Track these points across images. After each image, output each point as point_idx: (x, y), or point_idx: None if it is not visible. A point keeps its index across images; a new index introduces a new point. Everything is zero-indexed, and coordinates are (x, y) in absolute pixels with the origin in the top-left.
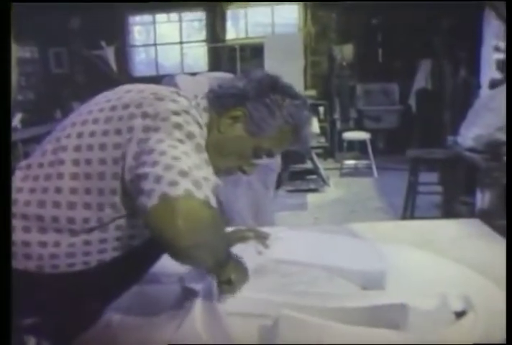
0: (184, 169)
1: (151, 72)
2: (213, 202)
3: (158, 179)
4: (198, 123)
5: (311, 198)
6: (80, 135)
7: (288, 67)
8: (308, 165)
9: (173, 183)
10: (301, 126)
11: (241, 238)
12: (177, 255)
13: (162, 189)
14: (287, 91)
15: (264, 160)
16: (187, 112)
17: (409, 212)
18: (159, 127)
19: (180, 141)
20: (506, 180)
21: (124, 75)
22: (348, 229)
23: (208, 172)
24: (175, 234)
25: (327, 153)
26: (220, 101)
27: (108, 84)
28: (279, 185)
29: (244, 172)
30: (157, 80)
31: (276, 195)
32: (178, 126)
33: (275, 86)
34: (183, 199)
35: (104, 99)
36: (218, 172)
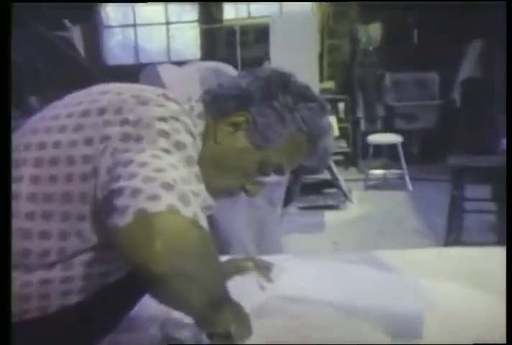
0: (168, 181)
1: (129, 59)
2: (204, 222)
3: (135, 193)
4: (189, 132)
5: (328, 216)
6: (42, 146)
7: (300, 54)
8: (326, 176)
9: (154, 197)
10: (318, 135)
11: (239, 269)
12: (155, 289)
13: (139, 204)
14: (301, 92)
15: (272, 178)
16: (176, 119)
17: (454, 236)
18: (140, 136)
19: (166, 151)
20: (506, 179)
21: (95, 62)
22: (375, 258)
23: (199, 188)
24: (152, 259)
25: (349, 160)
26: (218, 104)
27: (75, 74)
28: (288, 200)
29: (247, 192)
30: (135, 69)
31: (285, 214)
32: (164, 134)
33: (285, 86)
34: (165, 216)
35: (74, 101)
36: (214, 192)
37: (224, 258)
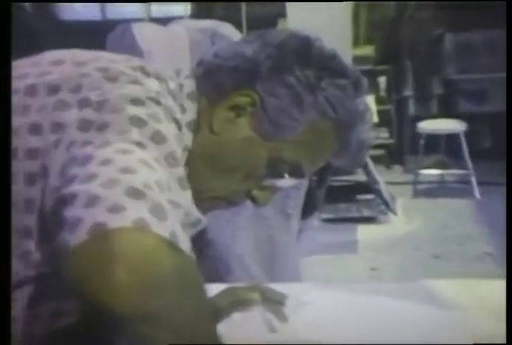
0: (137, 186)
1: (92, 13)
2: (185, 243)
3: (92, 201)
4: (174, 120)
5: (363, 233)
6: None
7: (326, 10)
8: (360, 177)
9: (116, 208)
10: (350, 122)
11: (241, 302)
12: (117, 334)
13: (96, 217)
14: (326, 63)
15: (287, 181)
16: (156, 101)
17: None
18: (105, 123)
19: (139, 144)
20: (506, 180)
21: (44, 17)
22: (428, 290)
23: (181, 196)
24: (110, 294)
25: (392, 156)
26: (214, 80)
27: (18, 33)
28: (309, 210)
29: (253, 200)
30: (101, 28)
31: (304, 228)
32: (138, 122)
33: (305, 55)
34: (131, 234)
35: (18, 73)
36: (209, 200)
37: (220, 287)
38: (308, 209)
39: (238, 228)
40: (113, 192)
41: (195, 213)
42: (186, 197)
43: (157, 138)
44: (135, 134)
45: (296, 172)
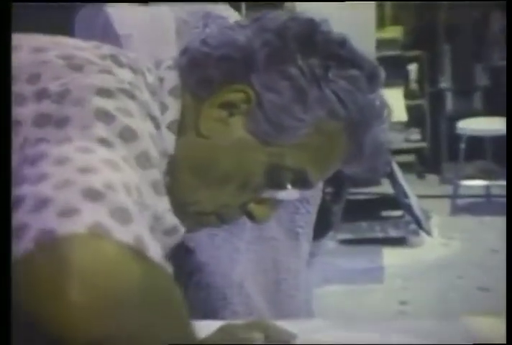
0: (96, 187)
1: None
2: (155, 251)
3: (40, 205)
4: (150, 116)
5: (390, 257)
6: None
7: None
8: (386, 189)
9: (68, 212)
10: (365, 122)
11: (240, 341)
12: None
13: (45, 223)
14: (334, 50)
15: (292, 193)
16: (129, 94)
17: None
18: (65, 117)
19: (104, 141)
20: (506, 180)
21: None
22: (471, 330)
23: (154, 199)
24: (64, 318)
25: (425, 163)
26: (202, 73)
27: None
28: (323, 229)
29: (251, 216)
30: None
31: (317, 251)
32: (104, 116)
33: (309, 41)
34: (85, 242)
35: None
36: (196, 215)
37: (215, 324)
38: (321, 228)
39: (237, 250)
40: (66, 194)
41: (171, 219)
42: (161, 201)
43: (127, 135)
44: (100, 129)
45: (301, 181)
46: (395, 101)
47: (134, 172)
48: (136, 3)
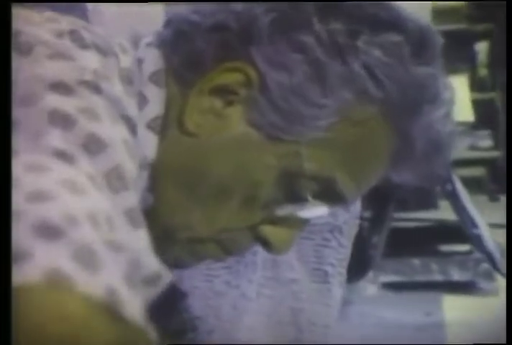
0: (53, 220)
1: None
2: (133, 307)
3: None
4: (124, 117)
5: (453, 309)
6: None
7: None
8: (445, 214)
9: (18, 255)
10: (411, 106)
11: None
12: None
13: None
14: (365, 10)
15: (318, 209)
16: (94, 88)
17: None
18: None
19: (62, 155)
20: (506, 181)
21: None
22: None
23: (129, 236)
24: None
25: (498, 179)
26: (189, 49)
27: None
28: (361, 268)
29: (264, 243)
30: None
31: (353, 299)
32: (62, 120)
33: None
34: (41, 295)
35: None
36: (188, 244)
37: None
38: (358, 267)
39: (244, 297)
40: (14, 231)
41: (152, 262)
42: (138, 238)
43: (92, 145)
44: (56, 138)
45: (329, 194)
46: (457, 94)
47: (104, 197)
48: None
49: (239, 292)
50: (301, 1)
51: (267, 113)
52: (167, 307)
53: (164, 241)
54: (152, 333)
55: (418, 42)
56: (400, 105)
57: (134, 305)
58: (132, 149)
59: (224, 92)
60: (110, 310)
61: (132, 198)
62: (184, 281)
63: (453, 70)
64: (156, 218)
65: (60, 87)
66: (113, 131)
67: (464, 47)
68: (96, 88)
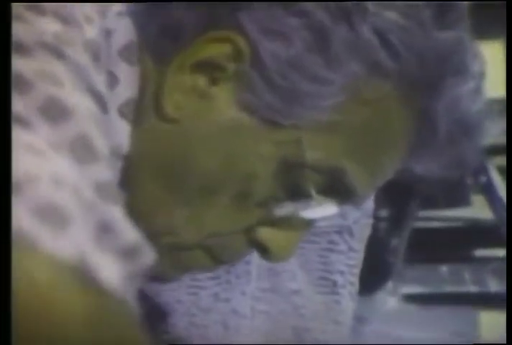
0: (14, 178)
1: None
2: (110, 272)
3: None
4: (91, 90)
5: (492, 327)
6: None
7: None
8: (479, 212)
9: None
10: (435, 82)
11: None
12: None
13: None
14: None
15: (324, 207)
16: (56, 51)
17: None
18: None
19: (18, 120)
20: (506, 181)
21: None
22: None
23: (102, 208)
24: None
25: None
26: (166, 16)
27: None
28: (378, 277)
29: (261, 248)
30: None
31: (368, 316)
32: (17, 83)
33: None
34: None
35: None
36: (170, 250)
37: None
38: (374, 275)
39: (235, 313)
40: None
41: (128, 232)
42: (112, 211)
43: (53, 110)
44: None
45: (336, 190)
46: (488, 65)
47: (69, 164)
48: None
49: (229, 307)
50: None
51: (261, 92)
52: (146, 328)
53: None
54: (134, 307)
55: (440, 2)
56: (419, 79)
57: (110, 270)
58: (101, 125)
59: (209, 67)
60: (81, 273)
61: (104, 172)
62: (163, 294)
63: (484, 35)
64: (130, 221)
65: (15, 48)
66: (77, 99)
67: (499, 7)
68: (57, 53)
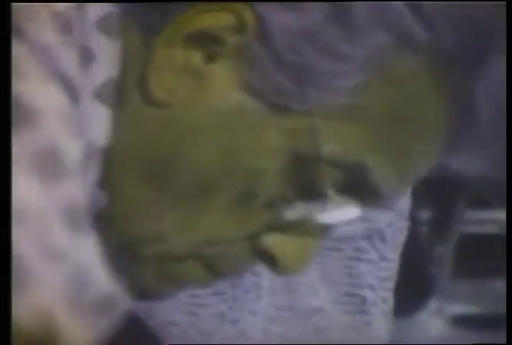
0: None
1: None
2: (76, 340)
3: None
4: (57, 74)
5: None
6: None
7: None
8: None
9: None
10: (475, 56)
11: None
12: None
13: None
14: None
15: (345, 210)
16: (15, 30)
17: None
18: None
19: None
20: (506, 182)
21: None
22: None
23: (71, 241)
24: None
25: None
26: None
27: None
28: (418, 293)
29: (269, 259)
30: None
31: (408, 339)
32: None
33: None
34: None
35: None
36: (159, 262)
37: None
38: (413, 290)
39: (244, 335)
40: None
41: (102, 280)
42: (83, 245)
43: (16, 116)
44: None
45: (359, 187)
46: None
47: (34, 187)
48: None
49: (237, 329)
50: None
51: (268, 70)
52: None
53: (123, 259)
54: None
55: None
56: (456, 54)
57: (76, 334)
58: (72, 122)
59: (205, 41)
60: (43, 340)
61: (74, 191)
62: (155, 315)
63: None
64: (111, 226)
65: None
66: (42, 95)
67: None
68: (16, 32)
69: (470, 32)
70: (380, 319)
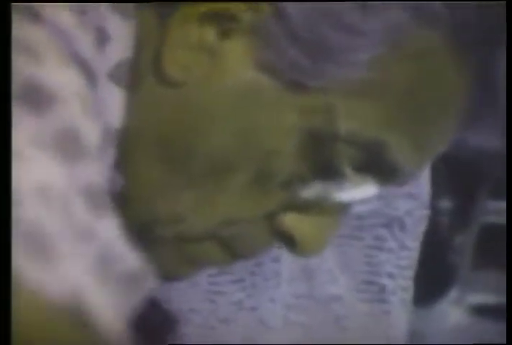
0: None
1: None
2: (107, 315)
3: None
4: (75, 57)
5: None
6: None
7: None
8: None
9: None
10: (494, 34)
11: None
12: None
13: None
14: None
15: (362, 189)
16: (33, 14)
17: None
18: None
19: None
20: (506, 182)
21: None
22: None
23: (93, 223)
24: None
25: None
26: None
27: None
28: (439, 282)
29: (287, 239)
30: None
31: (429, 329)
32: None
33: None
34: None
35: None
36: (178, 245)
37: None
38: (434, 279)
39: (263, 323)
40: None
41: (129, 257)
42: (106, 226)
43: (33, 97)
44: None
45: (377, 165)
46: None
47: (54, 168)
48: None
49: (256, 317)
50: None
51: (284, 47)
52: (152, 339)
53: (141, 240)
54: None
55: None
56: (476, 28)
57: (106, 311)
58: (89, 104)
59: (220, 18)
60: (73, 316)
61: (94, 172)
62: (175, 301)
63: None
64: (129, 208)
65: None
66: (60, 77)
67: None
68: (34, 15)
69: (491, 5)
70: (400, 308)
